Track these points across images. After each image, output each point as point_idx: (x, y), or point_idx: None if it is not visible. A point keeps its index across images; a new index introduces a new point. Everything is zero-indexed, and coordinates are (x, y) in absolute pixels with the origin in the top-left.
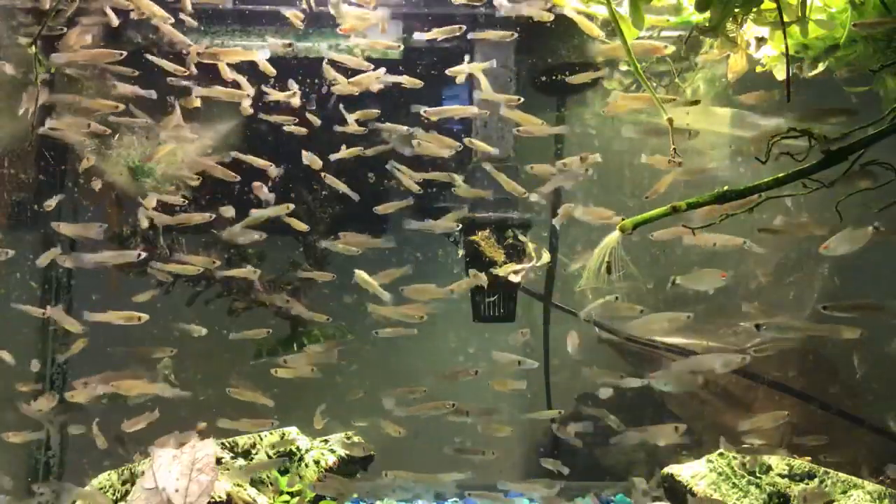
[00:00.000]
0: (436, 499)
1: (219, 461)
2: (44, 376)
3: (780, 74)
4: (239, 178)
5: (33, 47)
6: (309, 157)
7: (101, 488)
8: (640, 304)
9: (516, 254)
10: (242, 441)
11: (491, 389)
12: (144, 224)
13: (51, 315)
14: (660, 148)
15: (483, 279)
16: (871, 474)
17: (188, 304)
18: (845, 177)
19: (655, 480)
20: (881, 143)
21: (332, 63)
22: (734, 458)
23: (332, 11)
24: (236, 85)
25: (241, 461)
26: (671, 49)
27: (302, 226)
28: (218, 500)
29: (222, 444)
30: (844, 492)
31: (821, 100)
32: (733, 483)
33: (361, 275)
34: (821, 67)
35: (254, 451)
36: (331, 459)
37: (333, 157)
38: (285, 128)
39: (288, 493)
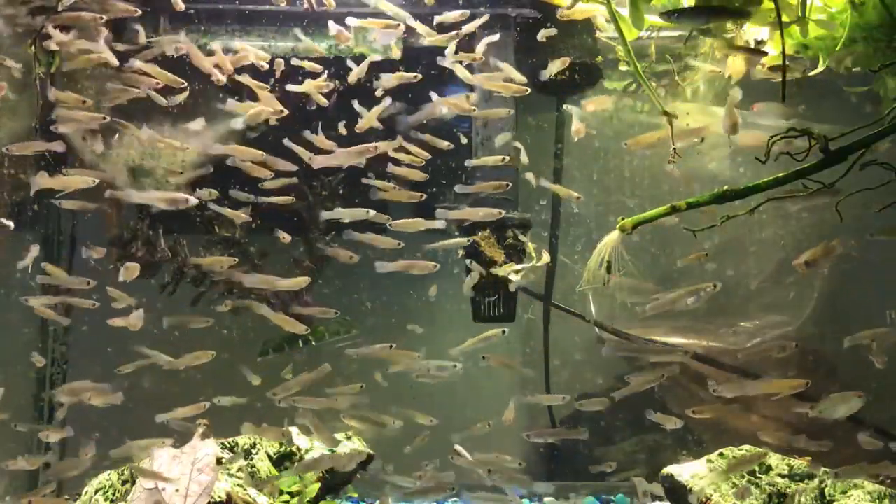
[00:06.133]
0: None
1: (219, 461)
2: (44, 376)
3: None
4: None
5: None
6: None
7: (101, 488)
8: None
9: (516, 254)
10: (242, 441)
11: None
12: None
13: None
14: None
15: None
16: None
17: (192, 305)
18: None
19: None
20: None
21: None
22: (734, 458)
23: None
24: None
25: (241, 461)
26: None
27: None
28: (218, 500)
29: (222, 444)
30: (844, 492)
31: (820, 100)
32: (733, 483)
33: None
34: (821, 67)
35: (254, 452)
36: None
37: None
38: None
39: (288, 493)
